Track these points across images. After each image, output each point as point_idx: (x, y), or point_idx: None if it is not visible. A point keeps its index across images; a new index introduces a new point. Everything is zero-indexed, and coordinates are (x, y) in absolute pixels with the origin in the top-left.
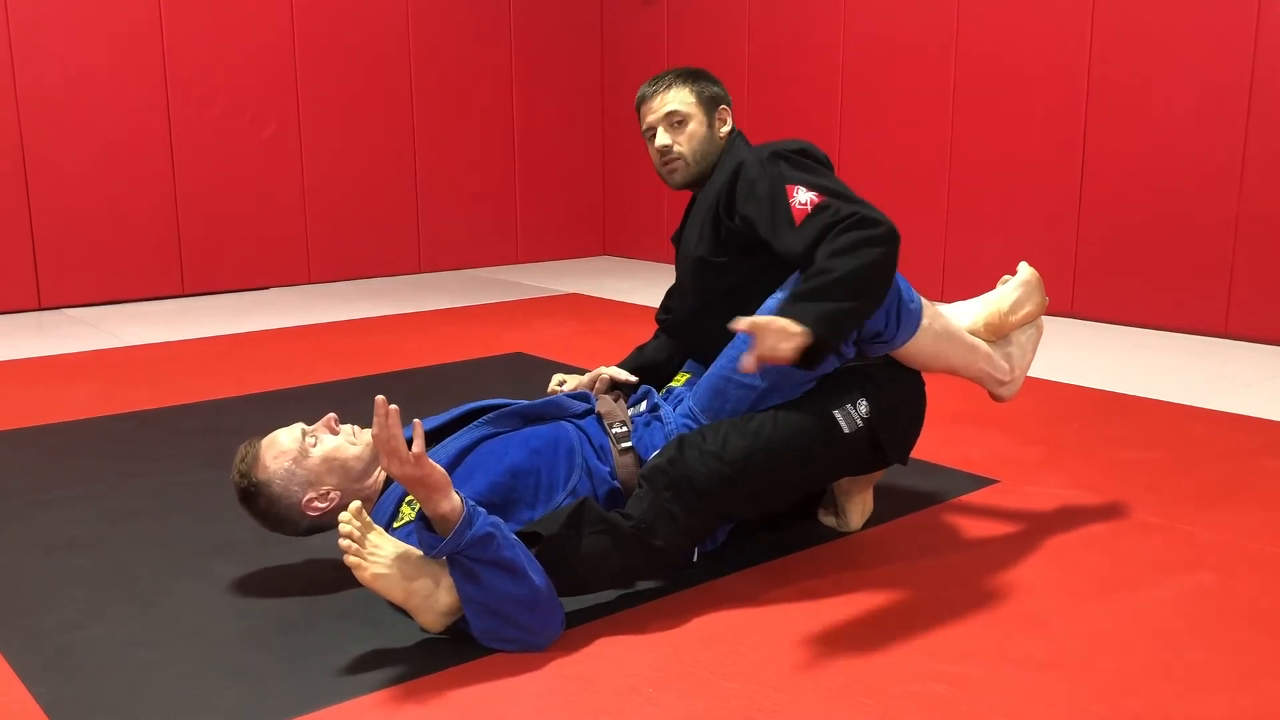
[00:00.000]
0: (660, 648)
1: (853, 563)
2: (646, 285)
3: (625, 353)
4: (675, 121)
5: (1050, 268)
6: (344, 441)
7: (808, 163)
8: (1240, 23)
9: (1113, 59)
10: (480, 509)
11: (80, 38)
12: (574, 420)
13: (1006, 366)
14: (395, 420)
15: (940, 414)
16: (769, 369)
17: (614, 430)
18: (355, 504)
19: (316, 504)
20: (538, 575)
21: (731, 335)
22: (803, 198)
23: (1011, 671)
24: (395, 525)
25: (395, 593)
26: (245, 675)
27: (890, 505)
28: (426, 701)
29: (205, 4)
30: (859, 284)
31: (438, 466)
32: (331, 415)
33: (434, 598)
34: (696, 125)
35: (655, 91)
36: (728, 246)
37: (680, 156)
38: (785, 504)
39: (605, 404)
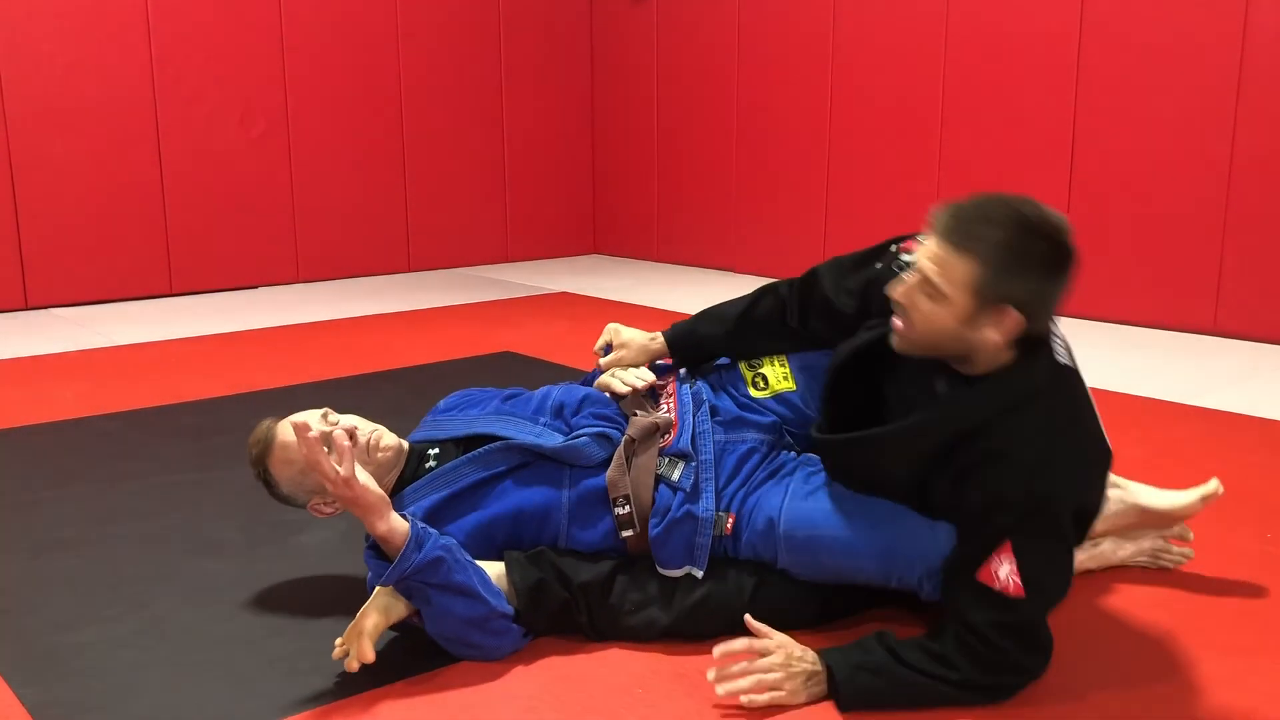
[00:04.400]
0: (650, 648)
1: None
2: (636, 283)
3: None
4: (924, 290)
5: None
6: (359, 457)
7: (1062, 533)
8: (1228, 22)
9: (1101, 57)
10: (431, 531)
11: (67, 36)
12: (587, 473)
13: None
14: (314, 445)
15: None
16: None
17: (617, 512)
18: (369, 652)
19: (322, 509)
20: (493, 597)
21: (852, 470)
22: (1006, 570)
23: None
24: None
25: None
26: (235, 676)
27: None
28: (418, 702)
29: (193, 2)
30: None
31: (370, 488)
32: (350, 428)
33: (394, 610)
34: (944, 311)
35: (941, 233)
36: (948, 496)
37: (910, 327)
38: None
39: (616, 470)
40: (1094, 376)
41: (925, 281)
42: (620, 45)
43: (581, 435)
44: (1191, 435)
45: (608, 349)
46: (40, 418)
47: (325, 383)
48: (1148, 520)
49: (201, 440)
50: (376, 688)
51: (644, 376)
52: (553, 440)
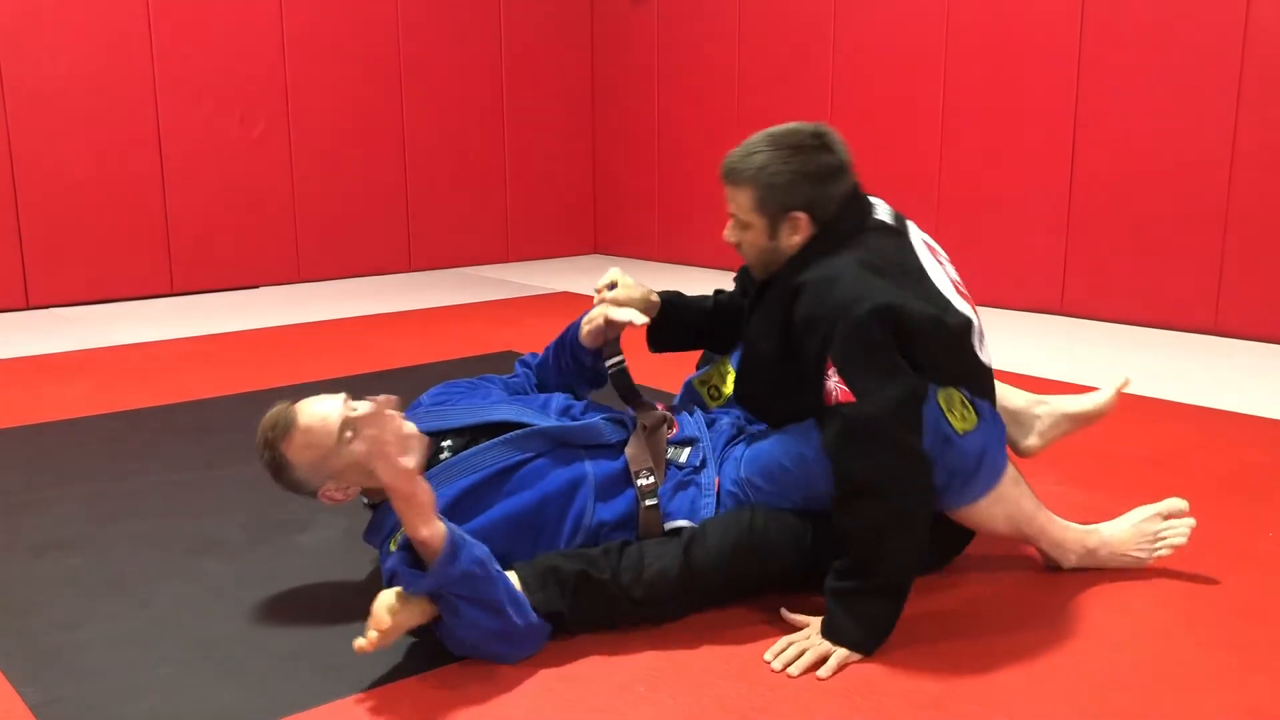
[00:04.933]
0: (653, 646)
1: None
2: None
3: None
4: (740, 224)
5: (1040, 265)
6: None
7: (877, 344)
8: (1229, 22)
9: (1103, 55)
10: (466, 539)
11: (68, 36)
12: (605, 451)
13: (1074, 560)
14: (396, 425)
15: None
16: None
17: (640, 483)
18: (386, 621)
19: (332, 494)
20: (519, 615)
21: (794, 410)
22: (833, 383)
23: (1002, 669)
24: (392, 546)
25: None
26: (237, 674)
27: None
28: (420, 700)
29: (194, 2)
30: (891, 567)
31: (426, 485)
32: (374, 409)
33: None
34: (755, 235)
35: (726, 181)
36: (798, 351)
37: (746, 257)
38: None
39: (635, 446)
40: (1095, 376)
41: (733, 218)
42: (621, 45)
43: (596, 418)
44: (1191, 435)
45: (611, 287)
46: (42, 417)
47: (326, 382)
48: (1078, 423)
49: (203, 440)
50: (378, 686)
51: (636, 318)
52: (571, 424)
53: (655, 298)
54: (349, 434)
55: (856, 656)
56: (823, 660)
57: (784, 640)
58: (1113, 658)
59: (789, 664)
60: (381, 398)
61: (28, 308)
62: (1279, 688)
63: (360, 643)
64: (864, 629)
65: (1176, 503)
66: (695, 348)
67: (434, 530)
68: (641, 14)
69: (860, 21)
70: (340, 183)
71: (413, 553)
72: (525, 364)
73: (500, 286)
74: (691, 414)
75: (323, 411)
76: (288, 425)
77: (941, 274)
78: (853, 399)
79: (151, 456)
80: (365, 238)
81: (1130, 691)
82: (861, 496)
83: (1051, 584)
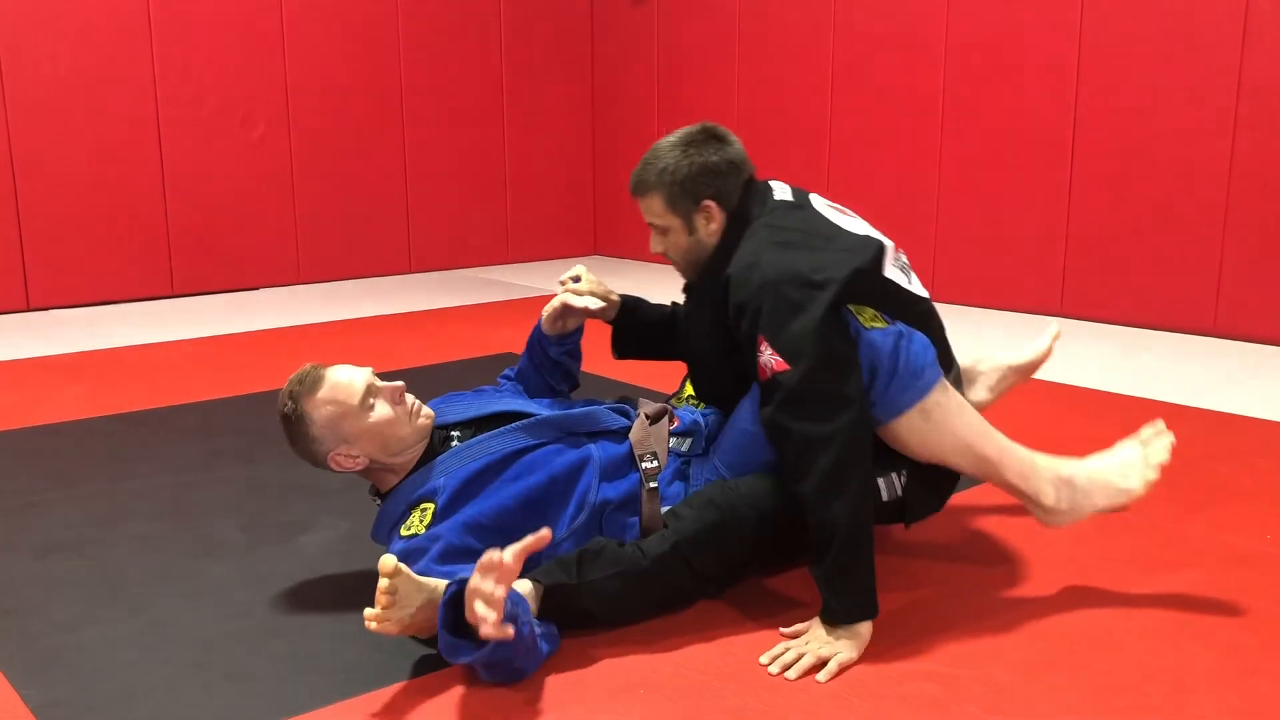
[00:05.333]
0: (652, 648)
1: None
2: (637, 285)
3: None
4: (659, 230)
5: (1039, 267)
6: (400, 417)
7: (795, 305)
8: (1229, 21)
9: (1102, 57)
10: (519, 610)
11: (68, 37)
12: (609, 436)
13: (1051, 494)
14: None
15: None
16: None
17: (644, 466)
18: (391, 561)
19: (342, 460)
20: (532, 661)
21: (748, 386)
22: (766, 358)
23: (1002, 672)
24: (403, 533)
25: (410, 631)
26: (237, 677)
27: None
28: (419, 703)
29: (195, 4)
30: (848, 534)
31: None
32: (400, 385)
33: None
34: (676, 235)
35: (634, 193)
36: (739, 342)
37: (675, 262)
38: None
39: (639, 431)
40: (1094, 378)
41: (652, 228)
42: (621, 46)
43: (598, 406)
44: (1190, 437)
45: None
46: (42, 419)
47: None
48: (1021, 374)
49: (203, 441)
50: (378, 689)
51: (592, 304)
52: (574, 410)
53: (615, 297)
54: (371, 400)
55: (854, 658)
56: (821, 664)
57: (781, 645)
58: (1111, 659)
59: (787, 668)
60: (398, 383)
61: (28, 309)
62: (1277, 689)
63: (370, 613)
64: (853, 597)
65: (1152, 426)
66: (659, 357)
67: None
68: (641, 15)
69: (860, 22)
70: (340, 184)
71: (454, 611)
72: (508, 377)
73: (500, 288)
74: (690, 410)
75: (351, 374)
76: (316, 380)
77: (854, 223)
78: (788, 368)
79: (152, 458)
80: (365, 239)
81: (1129, 693)
82: (812, 454)
83: (1048, 585)
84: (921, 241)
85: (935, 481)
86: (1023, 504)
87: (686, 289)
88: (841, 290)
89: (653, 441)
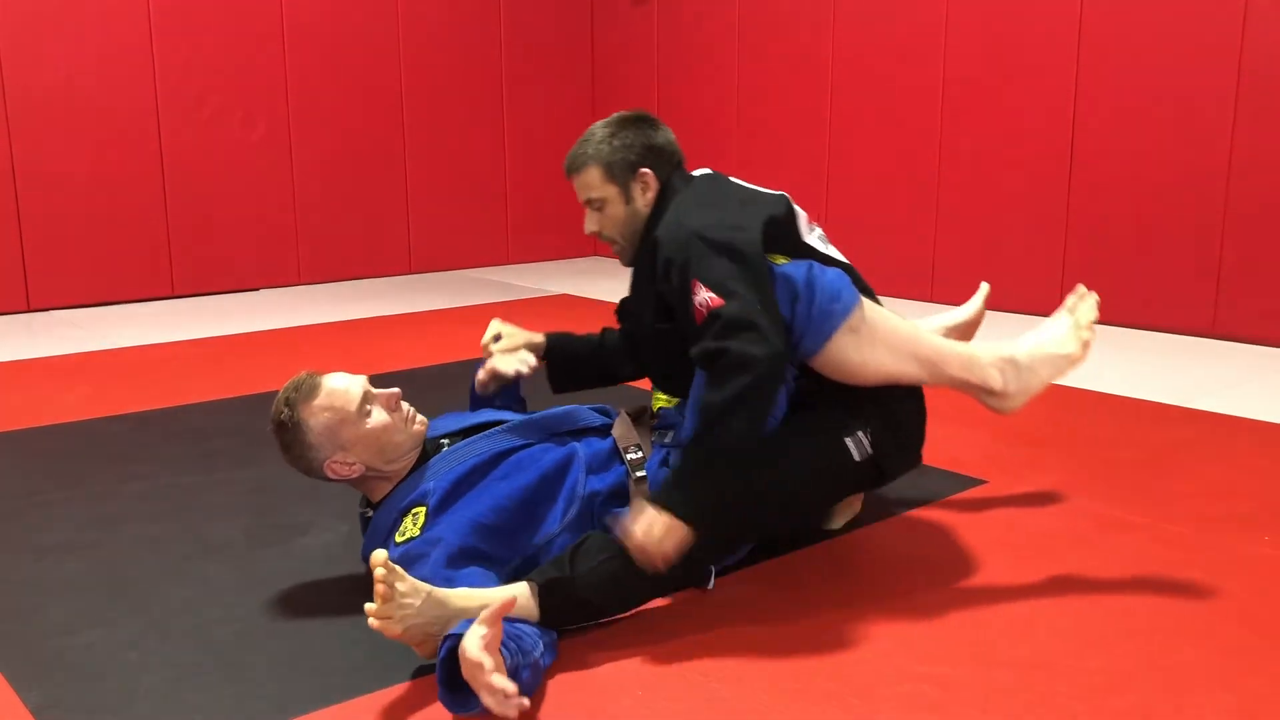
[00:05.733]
0: (650, 650)
1: (841, 564)
2: None
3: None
4: (596, 206)
5: (1038, 268)
6: (396, 424)
7: (721, 246)
8: (1227, 23)
9: (1100, 59)
10: (519, 656)
11: (69, 39)
12: (592, 433)
13: (998, 377)
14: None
15: (928, 414)
16: None
17: (629, 457)
18: (382, 553)
19: (338, 468)
20: (533, 677)
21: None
22: (702, 297)
23: (999, 672)
24: (398, 540)
25: (414, 640)
26: (239, 678)
27: (878, 506)
28: (419, 704)
29: (195, 5)
30: (727, 449)
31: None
32: (396, 392)
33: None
34: (613, 206)
35: (570, 172)
36: (676, 316)
37: (612, 240)
38: (790, 527)
39: (621, 427)
40: (1092, 379)
41: (588, 204)
42: (621, 46)
43: (578, 407)
44: (1190, 438)
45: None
46: (43, 420)
47: None
48: (960, 334)
49: (204, 442)
50: (378, 690)
51: (528, 361)
52: (554, 410)
53: (539, 339)
54: (368, 407)
55: (681, 528)
56: (652, 529)
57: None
58: (1110, 659)
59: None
60: (394, 390)
61: (29, 310)
62: (1274, 691)
63: (370, 608)
64: (687, 493)
65: (1075, 294)
66: (597, 384)
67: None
68: (642, 14)
69: (860, 22)
70: (341, 185)
71: (451, 666)
72: None
73: (501, 289)
74: (672, 411)
75: (347, 381)
76: (312, 387)
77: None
78: (722, 302)
79: (153, 459)
80: (366, 240)
81: (1126, 694)
82: (737, 371)
83: (1046, 586)
84: (921, 242)
85: (901, 432)
86: (975, 398)
87: (620, 309)
88: (763, 232)
89: (635, 435)
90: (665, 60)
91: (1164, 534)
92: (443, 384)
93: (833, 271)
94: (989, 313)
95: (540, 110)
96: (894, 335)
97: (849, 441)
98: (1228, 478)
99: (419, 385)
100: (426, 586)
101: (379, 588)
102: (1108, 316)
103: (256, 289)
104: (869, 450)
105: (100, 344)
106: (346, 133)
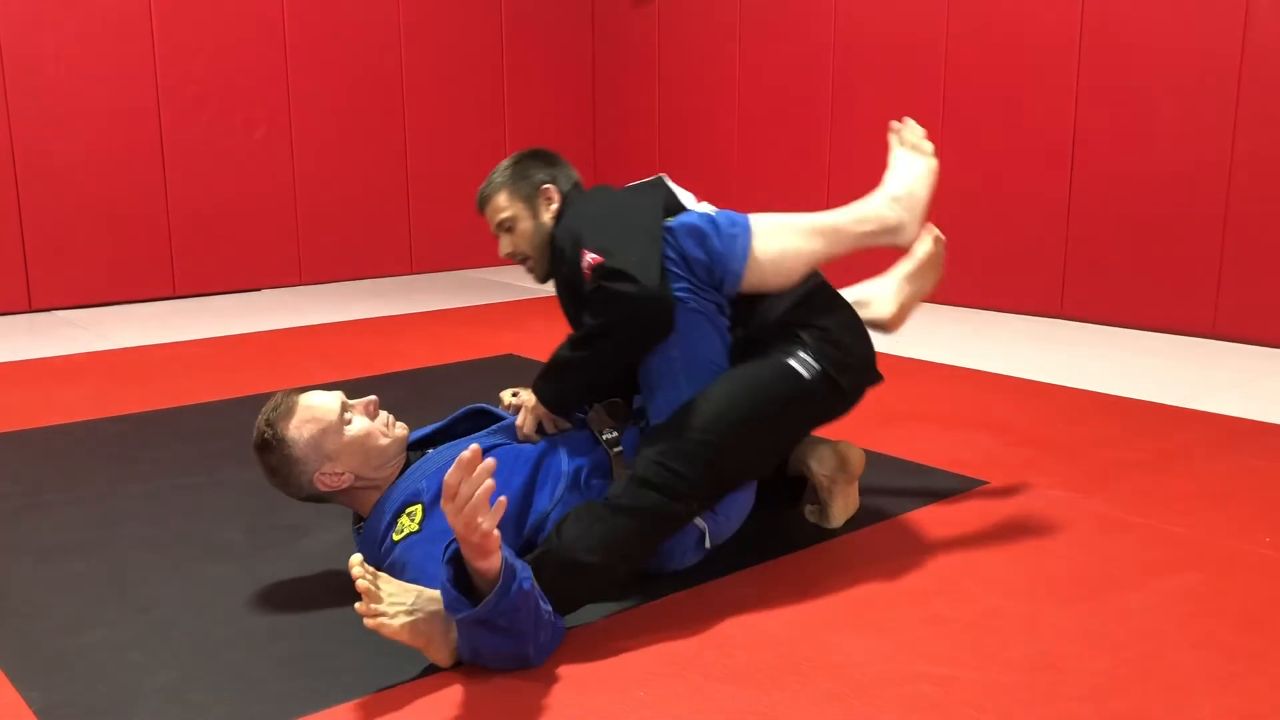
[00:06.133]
0: (651, 650)
1: (841, 564)
2: None
3: None
4: (506, 227)
5: (1039, 269)
6: (377, 429)
7: (605, 218)
8: (1228, 23)
9: (1102, 58)
10: (518, 565)
11: (71, 38)
12: (571, 430)
13: (892, 212)
14: (485, 488)
15: (929, 415)
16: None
17: (605, 437)
18: (357, 557)
19: (328, 480)
20: (544, 631)
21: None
22: (588, 260)
23: (1000, 673)
24: (395, 538)
25: (417, 640)
26: (240, 679)
27: (878, 506)
28: (420, 705)
29: (196, 5)
30: (589, 364)
31: (496, 534)
32: (373, 399)
33: (449, 634)
34: (524, 222)
35: (481, 206)
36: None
37: (526, 257)
38: (770, 464)
39: (594, 413)
40: (1093, 380)
41: (499, 226)
42: (622, 46)
43: None
44: (1190, 438)
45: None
46: (44, 421)
47: (329, 385)
48: (916, 280)
49: (205, 443)
50: (379, 690)
51: (561, 424)
52: None
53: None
54: (348, 415)
55: (542, 409)
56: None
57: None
58: (1110, 660)
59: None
60: (371, 397)
61: (30, 310)
62: (1276, 692)
63: (359, 607)
64: (553, 387)
65: (893, 134)
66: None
67: (492, 564)
68: (643, 15)
69: (861, 21)
70: (342, 185)
71: (458, 567)
72: None
73: (502, 289)
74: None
75: (323, 395)
76: (290, 405)
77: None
78: (602, 259)
79: (154, 460)
80: (367, 240)
81: (1127, 695)
82: (616, 305)
83: (1047, 587)
84: None
85: (841, 346)
86: (883, 245)
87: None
88: (657, 207)
89: (609, 421)
90: (666, 60)
91: (1164, 534)
92: (443, 384)
93: (721, 214)
94: (990, 313)
95: (541, 110)
96: (791, 223)
97: (793, 363)
98: (1228, 478)
99: (419, 385)
100: (415, 587)
101: (358, 585)
102: (1109, 317)
103: (258, 289)
104: (816, 366)
105: (101, 344)
106: (347, 132)
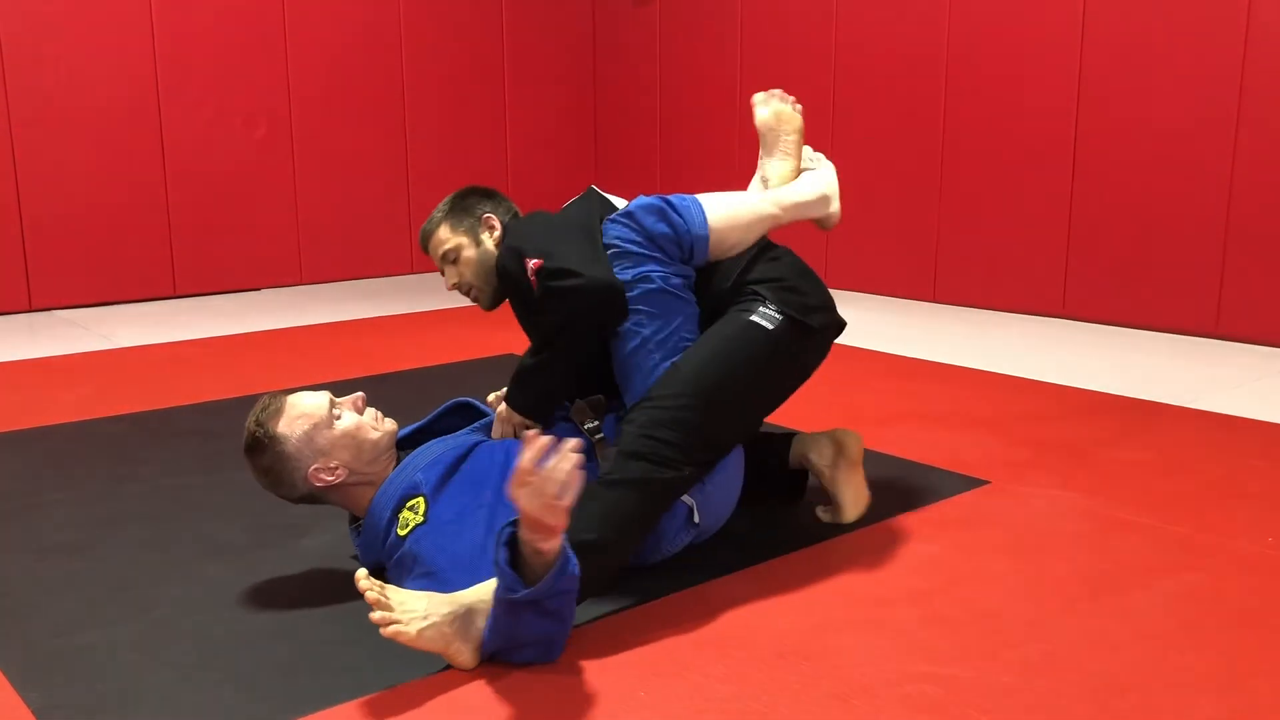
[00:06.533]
0: (652, 650)
1: (843, 564)
2: None
3: None
4: (451, 259)
5: (1041, 268)
6: (367, 423)
7: (539, 229)
8: (1230, 24)
9: (1104, 59)
10: (571, 554)
11: (72, 38)
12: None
13: (826, 181)
14: (574, 462)
15: (930, 415)
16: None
17: (587, 426)
18: (362, 571)
19: (322, 475)
20: (570, 612)
21: (611, 364)
22: (531, 265)
23: (1001, 673)
24: (401, 532)
25: (437, 644)
26: (240, 679)
27: (880, 506)
28: (419, 704)
29: (197, 5)
30: (556, 366)
31: (568, 515)
32: (360, 395)
33: (469, 634)
34: (467, 250)
35: (424, 242)
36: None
37: (471, 286)
38: (757, 422)
39: (575, 405)
40: (1096, 380)
41: (442, 260)
42: (623, 46)
43: None
44: (1193, 438)
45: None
46: (44, 420)
47: (329, 385)
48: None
49: (205, 443)
50: (379, 691)
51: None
52: None
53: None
54: (337, 411)
55: (518, 417)
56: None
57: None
58: (1111, 660)
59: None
60: (358, 394)
61: (30, 310)
62: (1276, 692)
63: (374, 616)
64: (523, 396)
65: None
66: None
67: (554, 544)
68: (644, 15)
69: (862, 22)
70: (343, 185)
71: (513, 551)
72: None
73: None
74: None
75: (310, 394)
76: (279, 405)
77: None
78: (541, 261)
79: (154, 460)
80: (367, 240)
81: (1128, 695)
82: (565, 300)
83: (1049, 587)
84: (923, 242)
85: (797, 291)
86: (815, 216)
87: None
88: (593, 217)
89: (591, 413)
90: (666, 61)
91: (1164, 534)
92: (442, 384)
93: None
94: (991, 313)
95: (541, 110)
96: (733, 195)
97: (755, 319)
98: (1229, 478)
99: (418, 385)
100: (425, 593)
101: (367, 598)
102: (1111, 317)
103: (258, 289)
104: (778, 315)
105: (101, 344)
106: (348, 132)
